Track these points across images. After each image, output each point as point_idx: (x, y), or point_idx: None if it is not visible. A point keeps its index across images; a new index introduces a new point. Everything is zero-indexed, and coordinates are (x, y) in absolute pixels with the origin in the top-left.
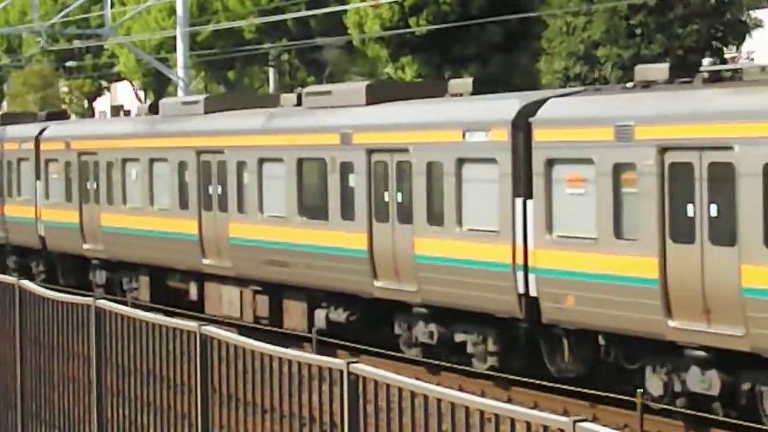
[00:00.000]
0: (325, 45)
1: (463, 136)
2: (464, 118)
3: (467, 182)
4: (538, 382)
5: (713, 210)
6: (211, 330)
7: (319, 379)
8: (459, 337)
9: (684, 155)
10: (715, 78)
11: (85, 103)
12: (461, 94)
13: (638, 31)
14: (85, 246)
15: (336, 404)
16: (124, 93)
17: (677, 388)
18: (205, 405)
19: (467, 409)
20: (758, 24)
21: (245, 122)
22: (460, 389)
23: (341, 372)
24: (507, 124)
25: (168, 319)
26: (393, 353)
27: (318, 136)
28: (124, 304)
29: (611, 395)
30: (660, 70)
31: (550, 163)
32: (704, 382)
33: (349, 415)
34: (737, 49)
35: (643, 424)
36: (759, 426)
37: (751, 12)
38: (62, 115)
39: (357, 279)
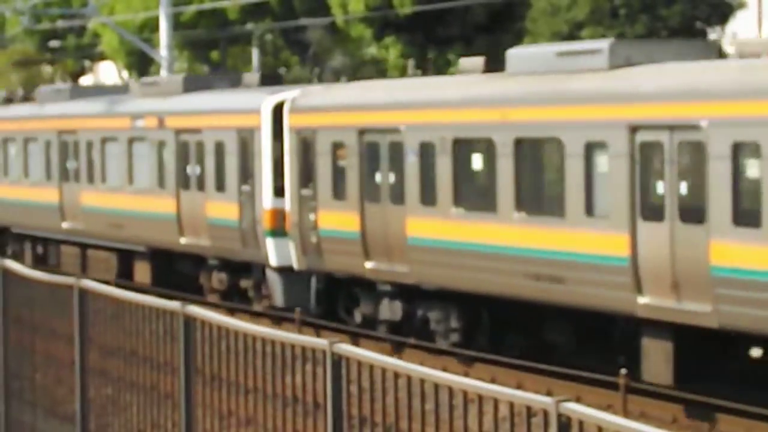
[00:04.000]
0: (308, 25)
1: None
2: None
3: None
4: (520, 362)
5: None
6: (195, 310)
7: (302, 360)
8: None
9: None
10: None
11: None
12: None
13: (622, 11)
14: None
15: (319, 384)
16: (108, 73)
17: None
18: (189, 385)
19: (450, 389)
20: (742, 5)
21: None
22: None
23: (324, 352)
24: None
25: (151, 299)
26: (374, 333)
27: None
28: (106, 283)
29: (595, 376)
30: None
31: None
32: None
33: (332, 396)
34: (721, 29)
35: (626, 404)
36: (758, 410)
37: None
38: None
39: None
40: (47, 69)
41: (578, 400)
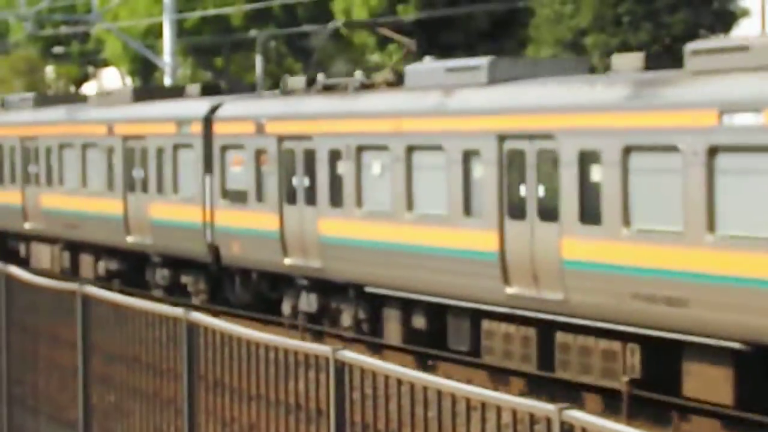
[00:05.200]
0: (312, 32)
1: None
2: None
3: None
4: (523, 370)
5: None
6: (198, 316)
7: (305, 366)
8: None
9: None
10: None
11: (72, 89)
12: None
13: (625, 19)
14: None
15: (322, 391)
16: (111, 79)
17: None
18: (191, 391)
19: (453, 396)
20: (746, 13)
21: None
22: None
23: (327, 359)
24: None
25: (155, 305)
26: (379, 341)
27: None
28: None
29: (599, 383)
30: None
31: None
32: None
33: (335, 402)
34: (725, 37)
35: (629, 412)
36: (760, 417)
37: (738, 1)
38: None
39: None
40: (51, 75)
41: (581, 407)
